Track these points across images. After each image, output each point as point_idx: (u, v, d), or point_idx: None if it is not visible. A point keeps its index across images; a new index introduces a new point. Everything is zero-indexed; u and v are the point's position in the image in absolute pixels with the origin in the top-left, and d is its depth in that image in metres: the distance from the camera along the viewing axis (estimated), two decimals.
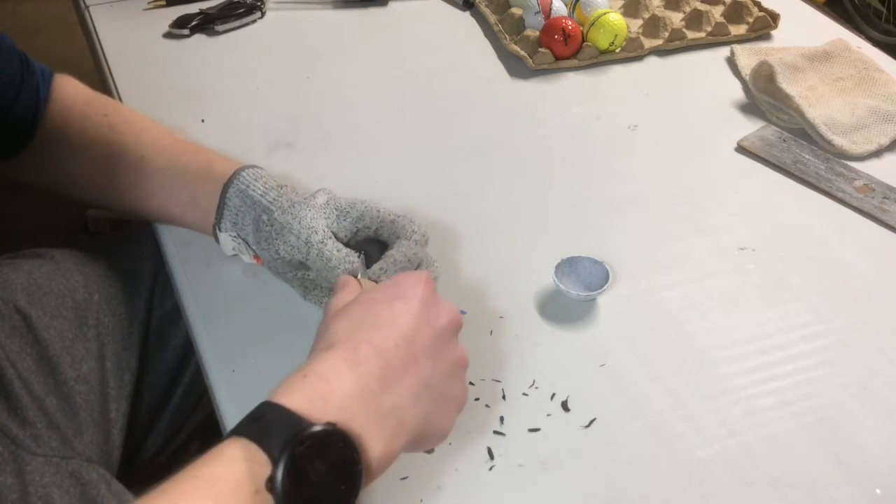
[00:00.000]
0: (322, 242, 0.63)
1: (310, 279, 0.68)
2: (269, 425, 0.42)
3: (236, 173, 0.69)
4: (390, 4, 1.12)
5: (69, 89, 0.76)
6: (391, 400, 0.46)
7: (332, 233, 0.66)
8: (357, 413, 0.44)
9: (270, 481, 0.40)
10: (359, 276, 0.61)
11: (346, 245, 0.67)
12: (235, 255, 0.71)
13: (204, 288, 0.71)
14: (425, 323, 0.51)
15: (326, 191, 0.68)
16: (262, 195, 0.68)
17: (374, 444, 0.44)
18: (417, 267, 0.66)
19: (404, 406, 0.47)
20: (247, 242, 0.69)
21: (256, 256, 0.70)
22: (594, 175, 0.85)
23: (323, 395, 0.44)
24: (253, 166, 0.70)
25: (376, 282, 0.62)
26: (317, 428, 0.42)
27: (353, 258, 0.64)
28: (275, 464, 0.40)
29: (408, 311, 0.51)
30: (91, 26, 1.05)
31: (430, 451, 0.58)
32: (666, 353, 0.67)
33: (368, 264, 0.65)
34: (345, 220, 0.66)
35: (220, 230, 0.69)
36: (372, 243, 0.67)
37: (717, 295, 0.72)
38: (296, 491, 0.40)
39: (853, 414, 0.63)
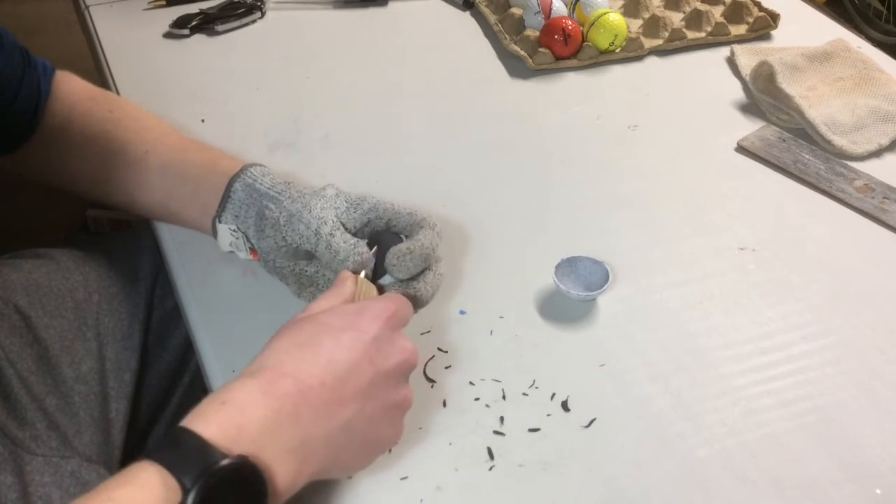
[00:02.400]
0: (331, 234, 0.62)
1: (307, 275, 0.67)
2: (184, 453, 0.43)
3: (244, 168, 0.69)
4: (390, 4, 1.12)
5: (71, 85, 0.76)
6: (301, 436, 0.47)
7: (342, 223, 0.65)
8: (267, 447, 0.45)
9: None
10: (363, 274, 0.60)
11: (354, 236, 0.66)
12: (231, 251, 0.71)
13: (204, 288, 0.71)
14: (368, 363, 0.51)
15: (334, 186, 0.68)
16: (269, 188, 0.67)
17: (281, 474, 0.46)
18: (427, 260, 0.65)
19: (314, 444, 0.48)
20: (246, 236, 0.69)
21: (253, 251, 0.70)
22: (594, 175, 0.85)
23: (237, 425, 0.45)
24: (259, 164, 0.70)
25: (380, 288, 0.62)
26: (228, 461, 0.43)
27: (362, 248, 0.63)
28: (185, 494, 0.42)
29: (352, 348, 0.51)
30: (91, 26, 1.05)
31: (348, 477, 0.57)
32: (666, 353, 0.67)
33: (380, 256, 0.64)
34: (355, 212, 0.66)
35: (220, 221, 0.69)
36: (383, 236, 0.66)
37: (718, 295, 0.72)
38: None
39: (853, 414, 0.63)
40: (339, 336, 0.51)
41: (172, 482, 0.42)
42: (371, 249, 0.63)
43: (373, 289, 0.60)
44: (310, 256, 0.67)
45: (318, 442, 0.48)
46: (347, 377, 0.50)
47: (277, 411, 0.47)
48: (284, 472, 0.46)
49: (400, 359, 0.53)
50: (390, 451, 0.58)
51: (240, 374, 0.49)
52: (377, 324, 0.53)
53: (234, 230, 0.69)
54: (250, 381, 0.48)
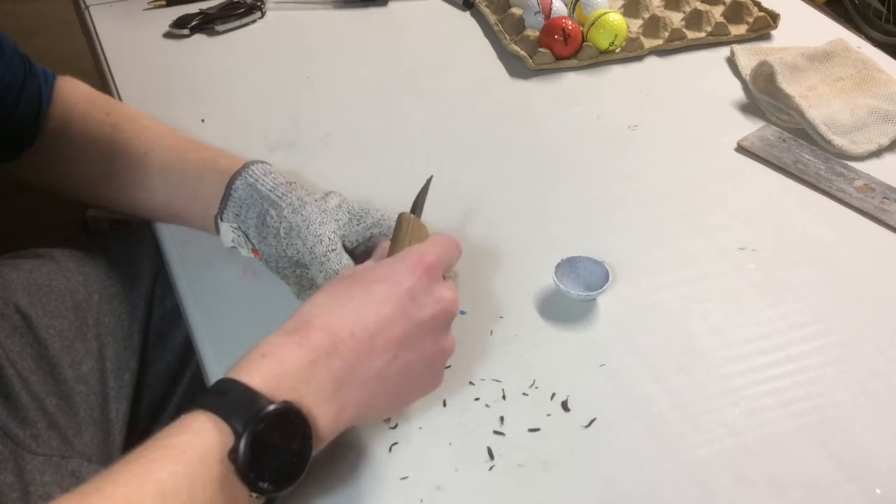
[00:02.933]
0: (325, 255, 0.64)
1: (307, 277, 0.67)
2: (232, 401, 0.46)
3: (245, 166, 0.69)
4: (390, 4, 1.12)
5: (71, 90, 0.77)
6: (336, 384, 0.50)
7: (342, 235, 0.65)
8: (306, 393, 0.48)
9: (234, 452, 0.44)
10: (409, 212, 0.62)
11: (355, 250, 0.67)
12: (233, 247, 0.71)
13: (204, 288, 0.71)
14: (401, 314, 0.53)
15: (339, 194, 0.68)
16: (270, 190, 0.68)
17: (321, 418, 0.49)
18: None
19: (348, 391, 0.50)
20: (247, 236, 0.69)
21: (255, 251, 0.70)
22: (594, 175, 0.85)
23: (277, 375, 0.48)
24: (262, 161, 0.70)
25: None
26: (274, 406, 0.46)
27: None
28: (238, 437, 0.45)
29: (384, 300, 0.52)
30: (91, 26, 1.05)
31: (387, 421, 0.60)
32: (666, 353, 0.67)
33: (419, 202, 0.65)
34: (357, 225, 0.66)
35: (221, 220, 0.69)
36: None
37: (717, 295, 0.72)
38: (256, 460, 0.45)
39: (853, 414, 0.63)
40: (371, 288, 0.53)
41: (225, 427, 0.45)
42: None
43: (423, 228, 0.61)
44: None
45: (352, 388, 0.51)
46: (377, 328, 0.52)
47: (313, 362, 0.49)
48: (324, 416, 0.49)
49: (437, 308, 0.54)
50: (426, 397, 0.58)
51: (278, 329, 0.51)
52: (414, 275, 0.54)
53: (235, 228, 0.69)
54: (286, 336, 0.50)
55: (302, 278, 0.68)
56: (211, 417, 0.45)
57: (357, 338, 0.51)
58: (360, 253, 0.68)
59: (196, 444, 0.44)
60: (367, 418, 0.54)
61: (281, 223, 0.65)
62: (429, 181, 0.66)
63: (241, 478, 0.45)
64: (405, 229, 0.60)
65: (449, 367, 0.65)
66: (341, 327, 0.51)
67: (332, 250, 0.64)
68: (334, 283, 0.54)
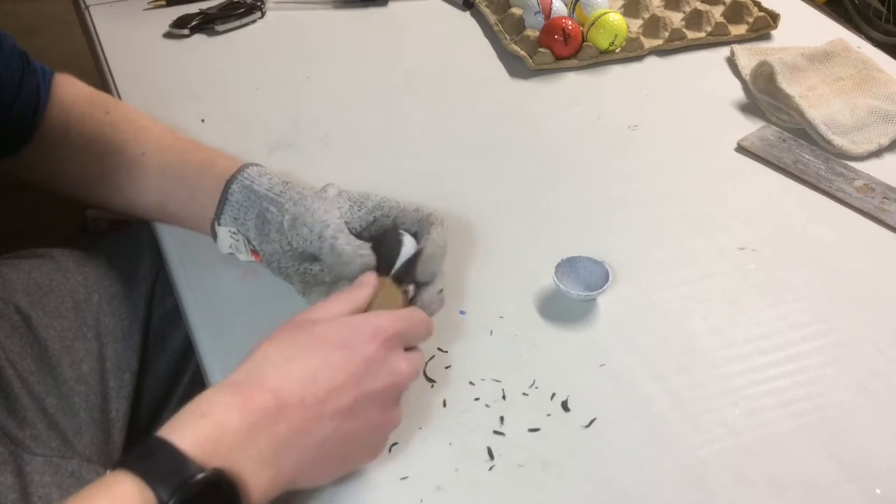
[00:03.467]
0: (334, 237, 0.62)
1: (312, 274, 0.67)
2: (160, 465, 0.44)
3: (240, 169, 0.69)
4: (390, 4, 1.12)
5: (70, 88, 0.76)
6: (276, 450, 0.48)
7: (346, 222, 0.64)
8: (241, 459, 0.46)
9: None
10: (391, 277, 0.60)
11: (360, 236, 0.66)
12: (231, 253, 0.71)
13: (204, 288, 0.71)
14: (353, 384, 0.51)
15: (335, 185, 0.67)
16: (268, 189, 0.67)
17: (254, 485, 0.46)
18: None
19: (287, 459, 0.49)
20: (247, 238, 0.69)
21: (255, 253, 0.69)
22: (594, 175, 0.85)
23: (214, 438, 0.46)
24: (256, 164, 0.70)
25: (400, 279, 0.60)
26: (203, 475, 0.44)
27: (366, 251, 0.62)
28: None
29: (339, 368, 0.51)
30: (91, 26, 1.05)
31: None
32: (666, 353, 0.67)
33: (388, 255, 0.62)
34: (359, 210, 0.65)
35: (219, 224, 0.69)
36: (387, 235, 0.65)
37: (717, 295, 0.72)
38: None
39: (853, 414, 0.63)
40: (329, 353, 0.51)
41: (150, 494, 0.43)
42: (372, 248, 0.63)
43: (398, 296, 0.59)
44: (316, 258, 0.67)
45: (291, 456, 0.49)
46: (328, 397, 0.50)
47: (254, 425, 0.47)
48: (257, 484, 0.47)
49: (389, 381, 0.53)
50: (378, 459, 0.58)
51: (222, 382, 0.50)
52: (373, 344, 0.52)
53: (233, 232, 0.69)
54: (230, 396, 0.48)
55: (306, 275, 0.67)
56: (136, 481, 0.43)
57: (305, 404, 0.49)
58: (366, 238, 0.66)
59: None
60: (299, 485, 0.52)
61: (283, 216, 0.65)
62: (417, 253, 0.62)
63: None
64: (383, 291, 0.58)
65: (448, 367, 0.65)
66: (291, 392, 0.49)
67: (341, 232, 0.63)
68: (290, 335, 0.52)
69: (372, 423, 0.53)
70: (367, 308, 0.56)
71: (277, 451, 0.48)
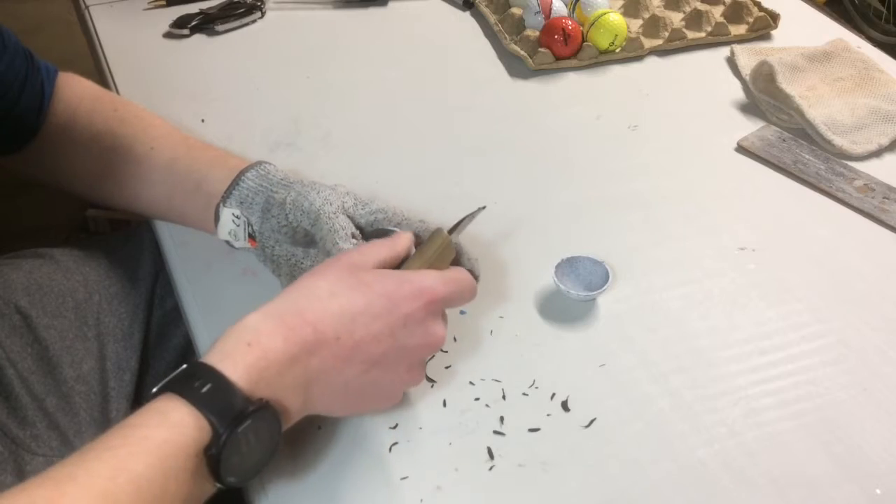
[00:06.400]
0: (335, 214, 0.64)
1: (300, 268, 0.67)
2: (213, 396, 0.46)
3: (259, 162, 0.70)
4: (390, 4, 1.12)
5: (76, 86, 0.77)
6: (307, 379, 0.51)
7: (349, 215, 0.65)
8: (280, 387, 0.49)
9: (210, 448, 0.45)
10: (445, 234, 0.61)
11: (360, 233, 0.66)
12: (229, 240, 0.71)
13: (204, 288, 0.71)
14: (389, 335, 0.53)
15: (344, 186, 0.68)
16: (281, 179, 0.69)
17: (288, 409, 0.50)
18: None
19: (316, 389, 0.51)
20: (248, 221, 0.69)
21: (252, 239, 0.69)
22: (594, 175, 0.85)
23: (260, 368, 0.48)
24: (271, 163, 0.71)
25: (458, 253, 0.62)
26: (254, 408, 0.46)
27: (359, 238, 0.63)
28: (217, 437, 0.45)
29: (378, 317, 0.52)
30: (91, 26, 1.05)
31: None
32: (666, 353, 0.67)
33: None
34: (362, 209, 0.66)
35: (224, 206, 0.69)
36: (383, 234, 0.65)
37: (717, 295, 0.72)
38: (229, 458, 0.46)
39: (853, 414, 0.63)
40: (373, 301, 0.53)
41: (204, 423, 0.45)
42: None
43: (452, 252, 0.61)
44: (309, 243, 0.67)
45: (319, 388, 0.51)
46: (362, 341, 0.52)
47: (294, 357, 0.49)
48: (290, 408, 0.50)
49: (423, 342, 0.54)
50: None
51: (264, 309, 0.51)
52: (416, 303, 0.54)
53: (236, 216, 0.69)
54: (275, 324, 0.50)
55: (295, 269, 0.67)
56: (190, 410, 0.45)
57: (341, 343, 0.51)
58: (366, 235, 0.67)
59: (173, 438, 0.44)
60: (318, 412, 0.54)
61: (288, 193, 0.66)
62: (479, 210, 0.65)
63: (212, 472, 0.46)
64: (435, 248, 0.59)
65: (449, 367, 0.65)
66: (329, 327, 0.51)
67: (342, 213, 0.64)
68: (342, 273, 0.54)
69: (396, 377, 0.55)
70: (423, 264, 0.58)
71: (308, 383, 0.50)
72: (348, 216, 0.65)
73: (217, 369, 0.47)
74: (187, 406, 0.45)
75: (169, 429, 0.44)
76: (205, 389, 0.46)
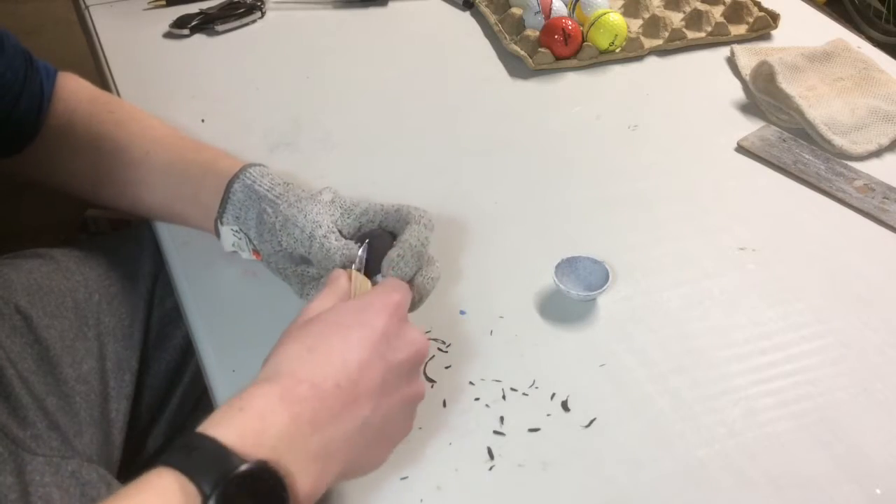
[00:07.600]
0: (325, 236, 0.63)
1: (308, 275, 0.67)
2: (201, 459, 0.42)
3: (242, 169, 0.69)
4: (390, 4, 1.12)
5: (74, 87, 0.77)
6: (322, 441, 0.47)
7: (337, 229, 0.65)
8: (287, 453, 0.45)
9: None
10: (353, 267, 0.60)
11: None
12: (234, 251, 0.71)
13: (204, 288, 0.71)
14: (378, 358, 0.51)
15: (331, 189, 0.68)
16: (268, 190, 0.67)
17: (302, 481, 0.45)
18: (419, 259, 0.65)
19: (334, 447, 0.48)
20: (248, 237, 0.69)
21: (256, 252, 0.70)
22: (594, 175, 0.85)
23: (256, 431, 0.44)
24: (259, 164, 0.70)
25: (371, 280, 0.61)
26: (248, 466, 0.42)
27: (352, 247, 0.63)
28: (205, 500, 0.41)
29: (361, 346, 0.50)
30: (91, 26, 1.05)
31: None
32: (666, 353, 0.67)
33: (376, 254, 0.63)
34: (348, 218, 0.66)
35: (221, 223, 0.69)
36: (374, 234, 0.65)
37: (717, 295, 0.72)
38: None
39: (853, 414, 0.63)
40: (347, 335, 0.51)
41: (191, 488, 0.41)
42: (361, 246, 0.63)
43: (367, 283, 0.60)
44: (307, 261, 0.67)
45: (337, 444, 0.48)
46: (359, 377, 0.49)
47: (297, 417, 0.46)
48: (306, 478, 0.45)
49: (411, 350, 0.53)
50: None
51: (254, 381, 0.49)
52: (383, 317, 0.52)
53: (236, 231, 0.69)
54: (267, 387, 0.47)
55: (304, 276, 0.68)
56: (177, 476, 0.42)
57: (342, 388, 0.48)
58: (355, 240, 0.66)
59: None
60: (349, 476, 0.52)
61: (277, 217, 0.65)
62: (378, 249, 0.63)
63: None
64: (358, 285, 0.58)
65: (449, 367, 0.65)
66: (325, 378, 0.48)
67: (332, 233, 0.63)
68: (303, 331, 0.51)
69: (402, 395, 0.53)
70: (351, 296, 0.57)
71: (323, 442, 0.47)
72: (337, 229, 0.65)
73: (208, 435, 0.44)
74: (173, 473, 0.42)
75: (155, 497, 0.41)
76: (193, 454, 0.43)
